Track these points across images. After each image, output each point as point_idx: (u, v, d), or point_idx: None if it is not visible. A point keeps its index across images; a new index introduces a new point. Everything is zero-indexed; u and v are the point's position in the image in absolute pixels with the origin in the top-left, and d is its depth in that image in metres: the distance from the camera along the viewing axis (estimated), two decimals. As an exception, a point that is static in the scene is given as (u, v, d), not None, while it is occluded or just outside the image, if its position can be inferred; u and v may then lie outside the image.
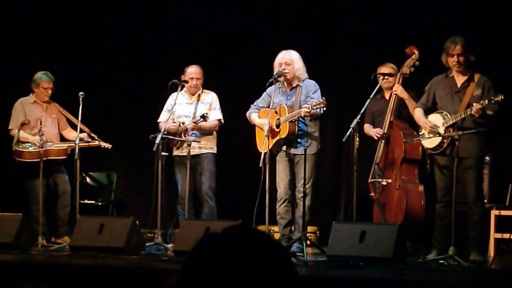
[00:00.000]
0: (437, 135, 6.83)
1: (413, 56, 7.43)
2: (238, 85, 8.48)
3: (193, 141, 7.89)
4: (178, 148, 8.03)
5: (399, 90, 7.44)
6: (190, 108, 8.10)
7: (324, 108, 7.26)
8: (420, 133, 7.06)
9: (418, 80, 7.46)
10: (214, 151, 8.12)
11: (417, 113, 7.03)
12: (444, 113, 6.84)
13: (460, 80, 6.86)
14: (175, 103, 7.94)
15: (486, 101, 6.53)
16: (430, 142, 6.91)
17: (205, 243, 1.71)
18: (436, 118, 6.89)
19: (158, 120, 8.12)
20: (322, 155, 8.15)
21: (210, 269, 1.65)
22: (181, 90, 7.97)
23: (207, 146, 8.07)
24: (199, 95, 8.15)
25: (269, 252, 1.69)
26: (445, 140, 6.79)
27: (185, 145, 7.87)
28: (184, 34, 9.61)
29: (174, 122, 8.06)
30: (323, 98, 7.30)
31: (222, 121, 8.12)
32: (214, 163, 8.09)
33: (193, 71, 8.10)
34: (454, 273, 6.18)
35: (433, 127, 6.83)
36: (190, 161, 7.84)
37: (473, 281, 5.84)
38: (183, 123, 7.99)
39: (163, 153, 7.82)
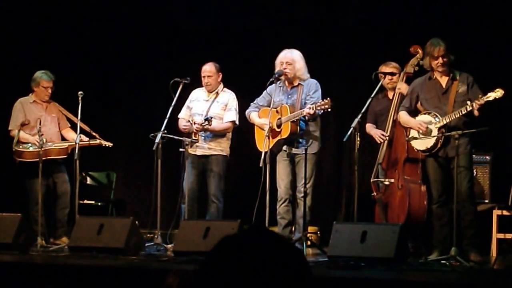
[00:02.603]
0: (436, 136, 6.82)
1: (417, 55, 7.41)
2: (238, 84, 8.44)
3: (192, 140, 7.85)
4: (191, 147, 7.95)
5: (403, 87, 7.43)
6: (205, 106, 8.04)
7: (329, 109, 7.22)
8: (409, 135, 7.03)
9: (412, 79, 7.46)
10: (225, 153, 7.99)
11: (404, 116, 7.05)
12: (432, 113, 6.85)
13: (443, 80, 6.93)
14: (175, 100, 7.90)
15: (489, 95, 6.53)
16: (423, 144, 6.90)
17: (222, 245, 1.71)
18: (426, 119, 6.89)
19: (178, 116, 8.08)
20: (323, 154, 8.13)
21: (227, 271, 1.65)
22: (182, 88, 7.92)
23: (217, 148, 7.99)
24: (217, 94, 8.09)
25: (285, 254, 1.70)
26: (440, 141, 6.78)
27: (195, 144, 7.86)
28: (185, 33, 9.59)
29: (188, 121, 8.03)
30: (328, 98, 7.24)
31: (237, 122, 8.01)
32: (224, 165, 7.98)
33: (203, 69, 8.04)
34: (456, 274, 6.16)
35: (427, 128, 6.82)
36: (199, 161, 7.95)
37: (475, 282, 5.82)
38: (194, 122, 7.95)
39: (181, 149, 7.82)
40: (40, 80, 8.37)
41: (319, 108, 7.19)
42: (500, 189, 7.79)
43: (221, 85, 8.10)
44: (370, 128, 7.78)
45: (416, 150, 7.04)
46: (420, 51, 7.38)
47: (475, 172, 7.45)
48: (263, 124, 7.59)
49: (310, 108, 7.22)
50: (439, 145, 6.82)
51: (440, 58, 6.79)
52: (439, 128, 6.79)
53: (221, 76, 8.07)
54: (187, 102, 8.15)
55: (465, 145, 6.79)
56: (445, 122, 6.77)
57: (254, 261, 1.65)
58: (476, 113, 6.63)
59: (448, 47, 6.79)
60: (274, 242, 1.71)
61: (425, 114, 6.92)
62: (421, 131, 6.86)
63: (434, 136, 6.85)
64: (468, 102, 6.63)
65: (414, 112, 7.07)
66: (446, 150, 6.80)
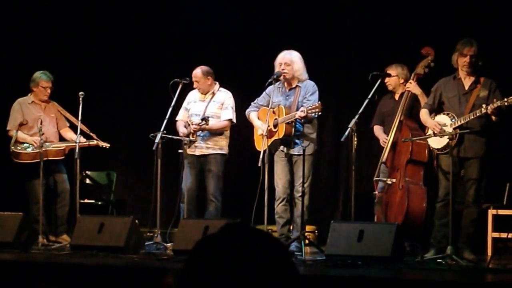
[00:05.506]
0: (431, 135, 6.90)
1: (429, 57, 7.45)
2: (237, 85, 8.50)
3: (191, 140, 7.91)
4: (189, 147, 8.01)
5: (411, 86, 7.48)
6: (202, 107, 8.11)
7: (320, 113, 7.29)
8: (427, 133, 7.10)
9: (422, 81, 7.53)
10: (224, 151, 8.06)
11: (424, 115, 7.09)
12: (450, 114, 6.90)
13: (467, 82, 6.95)
14: (175, 100, 7.96)
15: (505, 101, 6.57)
16: (437, 143, 6.96)
17: (202, 243, 1.71)
18: (443, 119, 6.94)
19: (176, 119, 8.13)
20: (320, 154, 8.19)
21: (209, 270, 1.65)
22: (182, 88, 7.99)
23: (216, 147, 8.05)
24: (213, 94, 8.16)
25: (267, 250, 1.68)
26: (453, 140, 6.81)
27: (193, 144, 7.92)
28: (185, 34, 9.64)
29: (186, 122, 8.09)
30: (319, 102, 7.31)
31: (234, 121, 8.08)
32: (222, 164, 8.04)
33: (193, 74, 8.13)
34: (452, 272, 6.21)
35: (442, 129, 6.87)
36: (197, 161, 8.01)
37: (471, 281, 5.87)
38: (192, 123, 8.00)
39: (180, 151, 7.88)
40: (39, 80, 8.42)
41: (310, 111, 7.26)
42: (495, 188, 7.84)
43: (217, 85, 8.16)
44: (378, 131, 7.83)
45: (431, 149, 7.10)
46: (432, 52, 7.43)
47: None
48: (259, 127, 7.68)
49: (302, 111, 7.30)
50: (452, 144, 6.82)
51: (468, 57, 6.81)
52: (454, 129, 6.84)
53: (210, 79, 8.10)
54: (185, 104, 8.22)
55: (479, 147, 6.85)
56: (460, 123, 6.80)
57: (235, 258, 1.64)
58: (493, 117, 6.69)
59: (479, 50, 6.82)
60: (255, 238, 1.69)
61: (443, 114, 6.98)
62: (436, 131, 6.90)
63: (429, 135, 6.94)
64: (483, 105, 6.69)
65: (436, 111, 7.09)
66: (459, 149, 6.84)
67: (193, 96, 8.22)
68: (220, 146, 8.07)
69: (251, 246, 1.67)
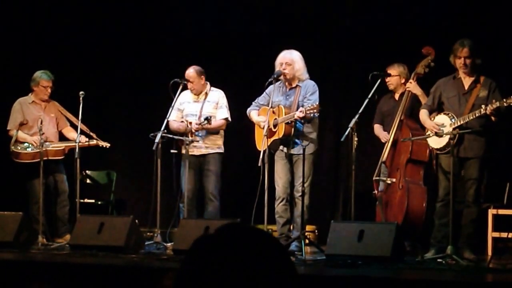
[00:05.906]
0: (429, 134, 6.91)
1: (429, 56, 7.45)
2: (238, 85, 8.50)
3: (192, 141, 7.91)
4: (189, 146, 8.00)
5: (411, 86, 7.49)
6: (197, 107, 8.12)
7: (317, 114, 7.29)
8: (427, 133, 7.11)
9: (422, 81, 7.53)
10: (221, 150, 8.10)
11: (423, 115, 7.10)
12: (450, 114, 6.90)
13: (467, 82, 6.95)
14: (175, 100, 7.96)
15: (504, 102, 6.57)
16: (437, 142, 6.97)
17: (201, 243, 1.70)
18: (443, 119, 6.94)
19: (169, 119, 8.10)
20: (320, 154, 8.19)
21: (207, 269, 1.64)
22: (182, 89, 8.00)
23: (214, 146, 8.07)
24: (206, 94, 8.17)
25: (266, 250, 1.67)
26: (452, 140, 6.81)
27: (192, 144, 7.93)
28: (185, 33, 9.64)
29: (182, 121, 8.10)
30: (317, 103, 7.31)
31: (229, 119, 8.10)
32: (220, 162, 8.08)
33: (186, 74, 8.12)
34: (452, 272, 6.22)
35: (440, 130, 6.87)
36: (196, 161, 8.01)
37: (471, 280, 5.87)
38: (190, 123, 8.01)
39: (172, 151, 7.89)
40: (39, 79, 8.43)
41: (309, 111, 7.26)
42: (495, 188, 7.85)
43: (208, 85, 8.17)
44: (378, 130, 7.84)
45: (431, 149, 7.10)
46: (432, 52, 7.43)
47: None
48: (260, 121, 7.68)
49: (301, 111, 7.31)
50: (452, 144, 6.83)
51: (463, 59, 6.82)
52: (454, 129, 6.84)
53: (203, 78, 8.11)
54: (177, 105, 8.18)
55: (479, 147, 6.85)
56: (460, 123, 6.81)
57: (232, 257, 1.64)
58: (493, 118, 6.69)
59: (474, 50, 6.81)
60: (253, 237, 1.68)
61: (443, 114, 6.98)
62: (434, 132, 6.90)
63: (429, 135, 6.95)
64: (483, 106, 6.69)
65: (436, 111, 7.09)
66: (459, 149, 6.85)
67: (186, 97, 8.21)
68: (217, 145, 8.10)
69: (248, 246, 1.66)
